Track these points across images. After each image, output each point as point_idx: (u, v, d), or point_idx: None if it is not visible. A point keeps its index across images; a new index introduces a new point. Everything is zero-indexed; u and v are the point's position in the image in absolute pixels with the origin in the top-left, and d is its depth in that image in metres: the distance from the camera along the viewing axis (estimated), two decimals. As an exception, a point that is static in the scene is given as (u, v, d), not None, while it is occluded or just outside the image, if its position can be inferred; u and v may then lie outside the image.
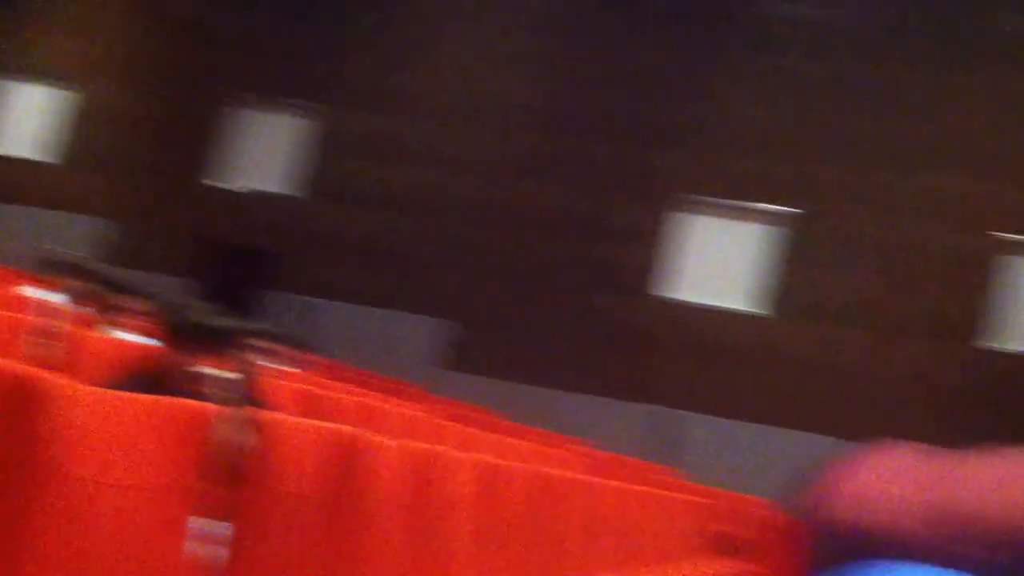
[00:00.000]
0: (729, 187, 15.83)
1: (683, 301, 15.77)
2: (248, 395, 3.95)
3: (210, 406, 3.14)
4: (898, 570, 1.16)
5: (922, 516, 1.19)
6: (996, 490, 1.18)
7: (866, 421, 14.35)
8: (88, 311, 5.83)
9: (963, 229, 14.94)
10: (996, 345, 14.67)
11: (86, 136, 17.96)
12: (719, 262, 15.80)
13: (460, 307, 16.33)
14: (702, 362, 15.47)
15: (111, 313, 5.98)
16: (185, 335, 3.82)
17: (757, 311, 15.57)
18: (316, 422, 3.64)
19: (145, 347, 4.68)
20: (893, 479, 1.24)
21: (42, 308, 5.20)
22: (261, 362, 5.66)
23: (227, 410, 3.14)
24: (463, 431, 6.60)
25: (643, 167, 16.11)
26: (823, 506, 1.26)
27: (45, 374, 2.67)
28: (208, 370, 3.76)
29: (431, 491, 4.08)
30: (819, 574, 1.24)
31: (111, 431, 2.72)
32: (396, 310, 16.44)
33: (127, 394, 2.92)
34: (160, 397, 3.01)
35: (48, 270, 6.45)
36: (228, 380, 3.77)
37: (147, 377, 3.71)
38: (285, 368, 6.98)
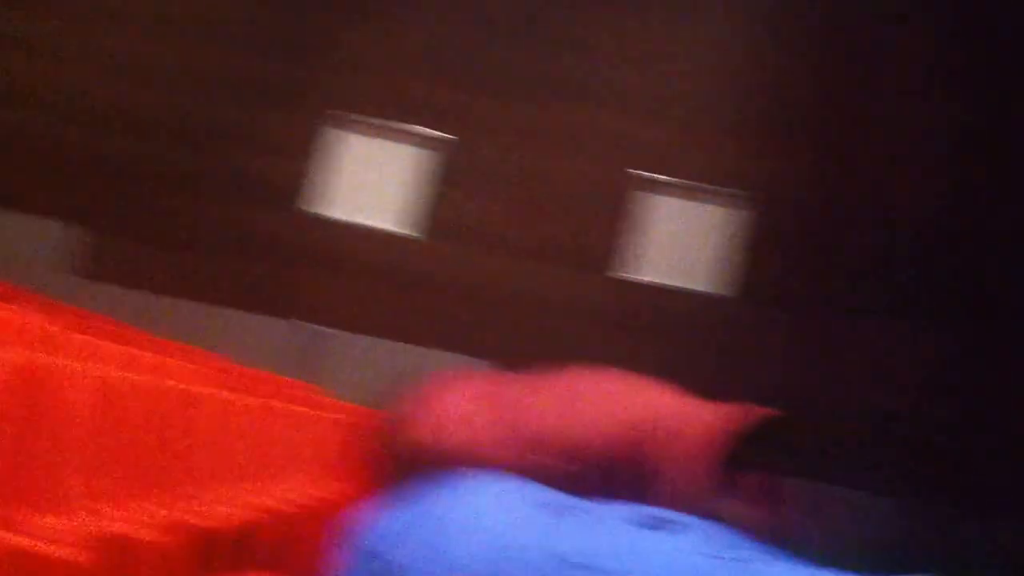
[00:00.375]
0: (384, 107, 15.75)
1: (332, 218, 15.63)
2: None
3: None
4: (469, 478, 1.18)
5: (495, 435, 1.23)
6: (562, 407, 1.23)
7: (505, 343, 14.77)
8: None
9: (604, 163, 15.53)
10: (630, 276, 15.43)
11: None
12: (370, 181, 15.75)
13: (92, 212, 15.46)
14: (348, 280, 15.42)
15: None
16: None
17: (405, 232, 15.64)
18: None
19: None
20: (469, 402, 1.28)
21: None
22: None
23: None
24: (85, 342, 6.22)
25: (298, 81, 15.74)
26: (404, 429, 1.29)
27: None
28: None
29: (43, 404, 3.76)
30: (399, 492, 1.26)
31: None
32: (17, 212, 15.35)
33: None
34: None
35: None
36: None
37: None
38: None
